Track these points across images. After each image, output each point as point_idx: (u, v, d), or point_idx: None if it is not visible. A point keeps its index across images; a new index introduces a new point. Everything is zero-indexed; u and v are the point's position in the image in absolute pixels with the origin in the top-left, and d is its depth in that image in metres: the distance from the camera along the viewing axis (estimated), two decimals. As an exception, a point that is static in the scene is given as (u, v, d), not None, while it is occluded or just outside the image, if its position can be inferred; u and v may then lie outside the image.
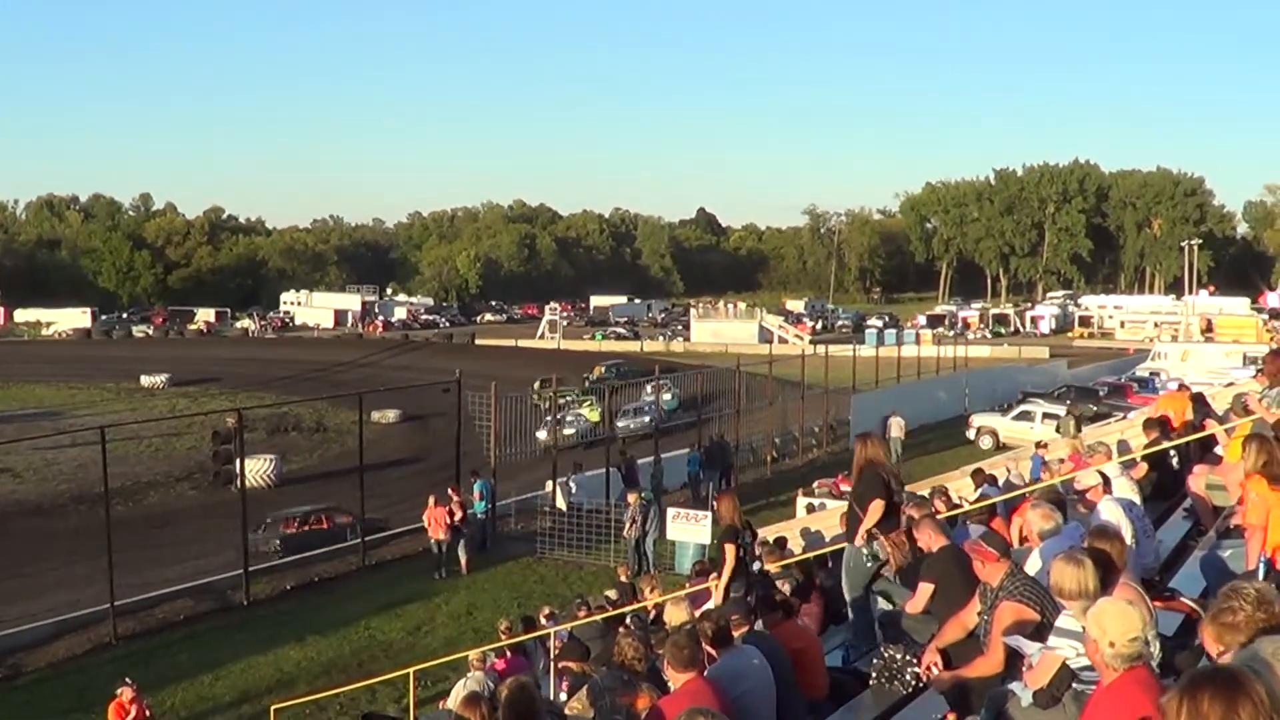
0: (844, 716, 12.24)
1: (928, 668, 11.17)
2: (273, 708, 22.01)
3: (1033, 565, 11.29)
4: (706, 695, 9.77)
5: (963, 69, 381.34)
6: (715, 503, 20.92)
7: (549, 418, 48.89)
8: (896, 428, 52.40)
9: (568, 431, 60.60)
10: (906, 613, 13.23)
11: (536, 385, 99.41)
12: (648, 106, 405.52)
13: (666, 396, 69.55)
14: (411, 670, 22.08)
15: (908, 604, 13.34)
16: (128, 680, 20.54)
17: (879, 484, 15.41)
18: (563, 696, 15.56)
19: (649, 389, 59.93)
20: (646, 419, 67.45)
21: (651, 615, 19.56)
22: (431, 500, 36.05)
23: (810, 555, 21.33)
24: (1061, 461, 24.93)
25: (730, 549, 16.49)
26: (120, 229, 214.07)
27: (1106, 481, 14.86)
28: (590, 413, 63.32)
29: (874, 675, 12.47)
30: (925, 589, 12.81)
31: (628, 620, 19.83)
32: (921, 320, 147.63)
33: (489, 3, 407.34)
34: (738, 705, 10.13)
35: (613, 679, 12.20)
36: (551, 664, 19.67)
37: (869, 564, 15.42)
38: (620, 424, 71.00)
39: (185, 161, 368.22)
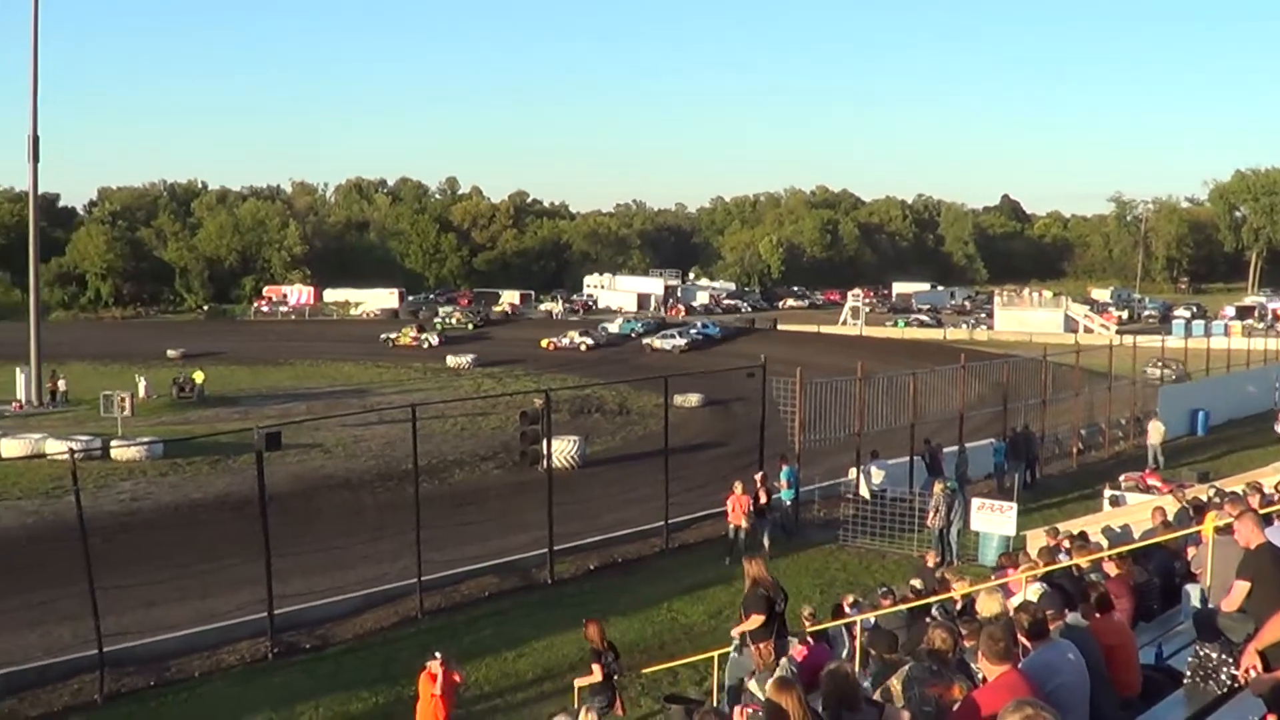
0: (1157, 715, 11.99)
1: (1246, 671, 10.91)
2: (577, 685, 22.18)
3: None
4: (1021, 688, 9.64)
5: (1274, 54, 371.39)
6: (585, 627, 21.59)
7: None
8: (1155, 433, 50.71)
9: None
10: (1222, 610, 12.98)
11: (412, 330, 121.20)
12: (952, 93, 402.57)
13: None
14: (715, 653, 22.12)
15: (1223, 601, 13.09)
16: (436, 654, 20.79)
17: (761, 599, 19.87)
18: (865, 685, 15.47)
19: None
20: (681, 340, 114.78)
21: (958, 606, 19.39)
22: (738, 486, 36.01)
23: (1118, 550, 20.89)
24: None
25: (597, 667, 20.91)
26: (427, 212, 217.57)
27: None
28: None
29: (1188, 674, 12.22)
30: (1241, 587, 12.56)
31: (934, 610, 19.68)
32: (1230, 311, 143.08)
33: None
34: (1052, 699, 9.94)
35: (922, 669, 12.12)
36: (856, 652, 19.57)
37: (743, 658, 20.08)
38: (659, 344, 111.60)
39: (491, 146, 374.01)
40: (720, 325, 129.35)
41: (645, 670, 24.39)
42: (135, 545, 38.37)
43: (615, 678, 21.36)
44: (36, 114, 78.43)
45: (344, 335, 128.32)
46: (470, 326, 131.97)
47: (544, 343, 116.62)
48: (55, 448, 52.64)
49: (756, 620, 19.93)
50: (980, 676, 11.17)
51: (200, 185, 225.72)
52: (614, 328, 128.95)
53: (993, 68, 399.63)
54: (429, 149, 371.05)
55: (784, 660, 18.99)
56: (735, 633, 21.13)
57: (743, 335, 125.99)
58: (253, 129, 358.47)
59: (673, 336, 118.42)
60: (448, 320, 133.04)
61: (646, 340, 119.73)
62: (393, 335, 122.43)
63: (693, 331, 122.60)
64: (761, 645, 19.93)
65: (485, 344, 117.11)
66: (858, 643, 19.45)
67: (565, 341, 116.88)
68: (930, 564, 28.30)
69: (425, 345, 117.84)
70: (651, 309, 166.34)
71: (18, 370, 79.29)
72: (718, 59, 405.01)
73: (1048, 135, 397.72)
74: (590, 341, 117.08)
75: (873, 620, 20.32)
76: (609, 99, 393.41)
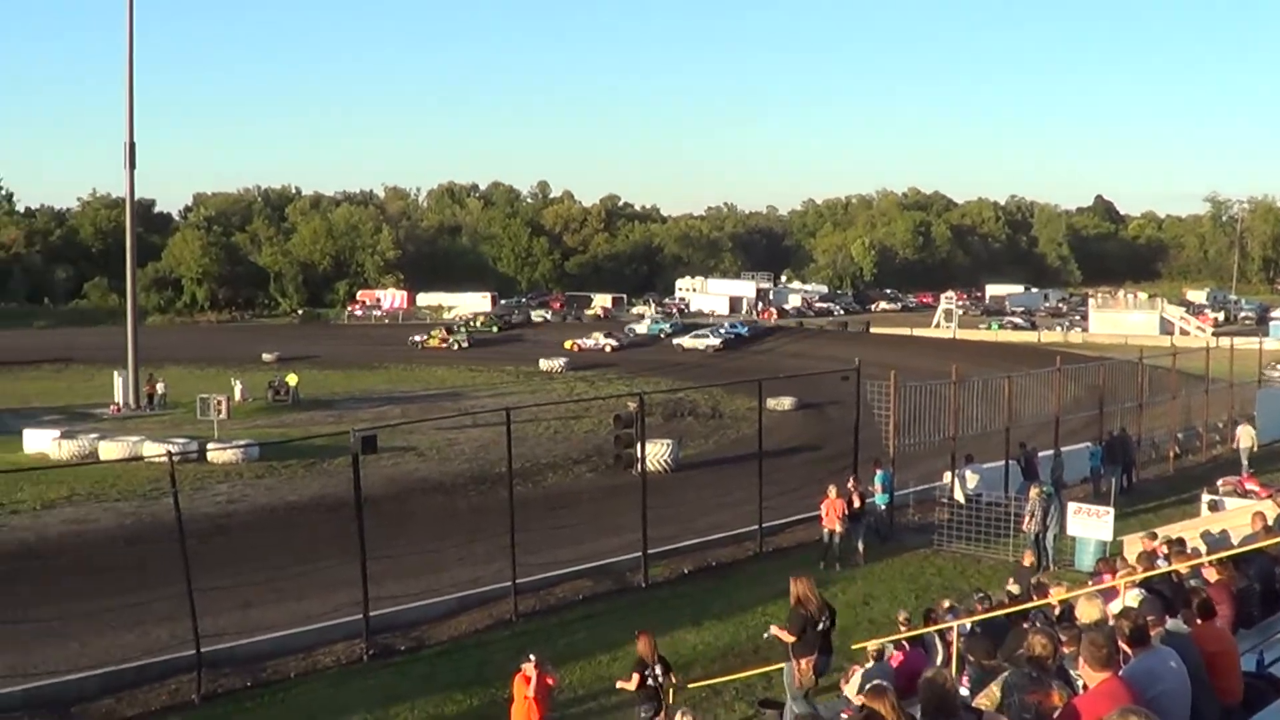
0: (1259, 723, 11.87)
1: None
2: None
3: None
4: (1123, 695, 9.57)
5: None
6: (637, 639, 21.53)
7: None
8: (1246, 437, 49.86)
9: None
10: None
11: (440, 333, 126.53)
12: (1041, 91, 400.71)
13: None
14: (812, 658, 22.06)
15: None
16: (531, 656, 20.82)
17: (800, 619, 21.10)
18: (963, 691, 15.37)
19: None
20: (716, 340, 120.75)
21: (1056, 612, 19.26)
22: (832, 490, 35.68)
23: (1218, 556, 20.69)
24: None
25: (635, 676, 21.00)
26: (519, 216, 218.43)
27: None
28: None
29: (1291, 682, 12.11)
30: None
31: (1031, 616, 19.55)
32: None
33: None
34: (1153, 707, 9.85)
35: (1021, 675, 12.03)
36: (951, 658, 19.46)
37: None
38: (690, 343, 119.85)
39: (582, 150, 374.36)
40: (749, 325, 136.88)
41: (740, 675, 24.28)
42: (231, 547, 38.77)
43: (662, 689, 21.28)
44: (132, 121, 79.27)
45: (655, 339, 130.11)
46: (495, 329, 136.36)
47: (567, 344, 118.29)
48: (152, 450, 53.25)
49: (788, 638, 21.06)
50: (1080, 683, 11.10)
51: (294, 191, 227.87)
52: (641, 329, 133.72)
53: (1085, 67, 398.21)
54: (520, 153, 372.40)
55: (878, 665, 18.95)
56: (773, 629, 22.16)
57: (771, 335, 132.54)
58: (345, 135, 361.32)
59: (705, 336, 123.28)
60: (473, 324, 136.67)
61: (677, 340, 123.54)
62: (421, 338, 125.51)
63: (722, 331, 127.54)
64: (802, 661, 20.91)
65: (513, 346, 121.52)
66: (954, 649, 19.34)
67: (590, 343, 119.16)
68: (1027, 563, 28.21)
69: (455, 347, 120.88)
70: (744, 312, 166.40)
71: (115, 373, 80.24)
72: (806, 60, 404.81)
73: (1141, 135, 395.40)
74: (615, 343, 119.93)
75: (969, 626, 20.20)
76: (698, 102, 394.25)
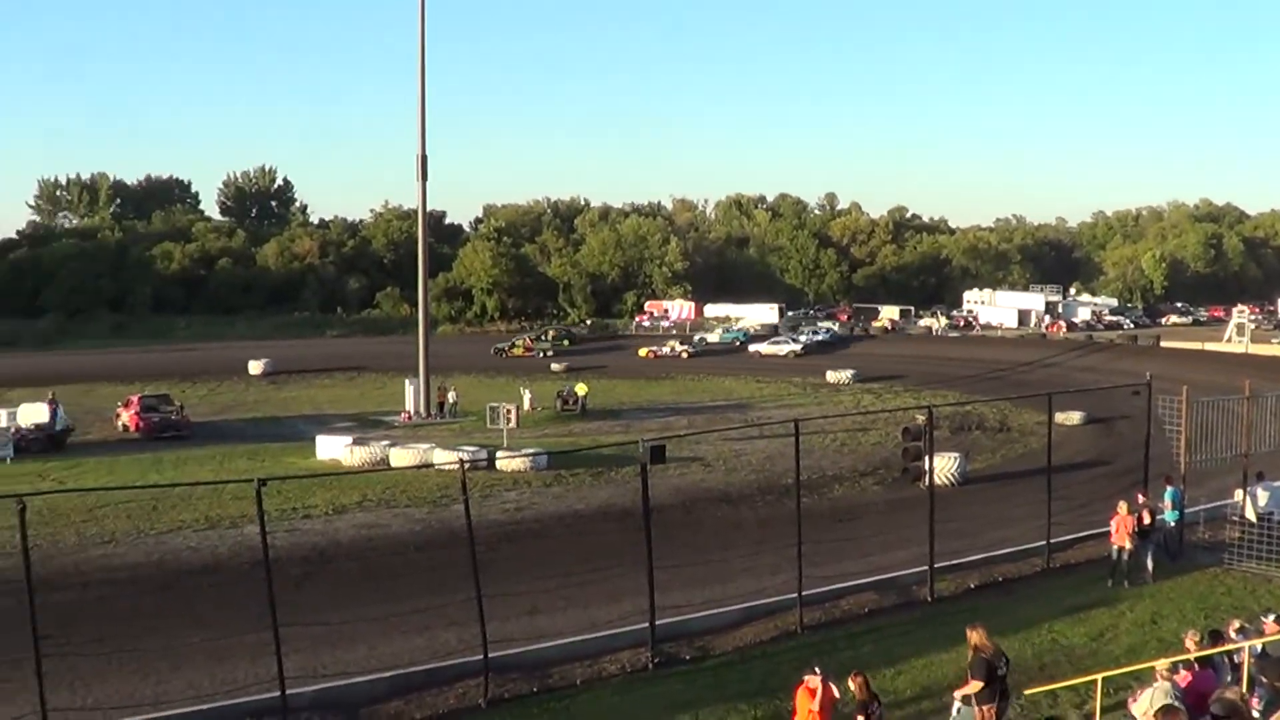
0: None
1: None
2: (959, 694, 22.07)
3: None
4: None
5: None
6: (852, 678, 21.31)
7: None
8: None
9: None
10: None
11: (525, 342, 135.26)
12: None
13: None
14: (1099, 677, 21.80)
15: None
16: (816, 669, 20.84)
17: (982, 665, 21.39)
18: (1254, 713, 15.12)
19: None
20: (796, 346, 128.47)
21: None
22: (1122, 506, 35.13)
23: None
24: None
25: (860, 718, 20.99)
26: (807, 227, 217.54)
27: None
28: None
29: None
30: None
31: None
32: None
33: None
34: None
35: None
36: (1242, 679, 19.12)
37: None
38: (769, 349, 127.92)
39: (869, 161, 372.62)
40: (832, 331, 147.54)
41: (1026, 692, 24.06)
42: (519, 554, 39.55)
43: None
44: (424, 134, 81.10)
45: (727, 349, 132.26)
46: (566, 342, 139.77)
47: (643, 352, 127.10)
48: (443, 458, 54.28)
49: (976, 685, 21.29)
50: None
51: (582, 202, 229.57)
52: (712, 337, 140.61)
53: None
54: (808, 165, 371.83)
55: (1167, 686, 18.70)
56: (957, 695, 22.02)
57: (856, 341, 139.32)
58: (634, 147, 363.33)
59: (784, 343, 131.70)
60: (543, 337, 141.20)
61: (754, 348, 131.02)
62: (504, 345, 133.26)
63: (803, 338, 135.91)
64: (984, 707, 21.19)
65: (603, 354, 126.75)
66: (1245, 670, 19.02)
67: (666, 350, 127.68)
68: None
69: (541, 355, 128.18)
70: (1032, 325, 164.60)
71: (406, 382, 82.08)
72: (1095, 72, 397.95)
73: None
74: (689, 349, 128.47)
75: (1260, 647, 19.85)
76: (986, 113, 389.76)
